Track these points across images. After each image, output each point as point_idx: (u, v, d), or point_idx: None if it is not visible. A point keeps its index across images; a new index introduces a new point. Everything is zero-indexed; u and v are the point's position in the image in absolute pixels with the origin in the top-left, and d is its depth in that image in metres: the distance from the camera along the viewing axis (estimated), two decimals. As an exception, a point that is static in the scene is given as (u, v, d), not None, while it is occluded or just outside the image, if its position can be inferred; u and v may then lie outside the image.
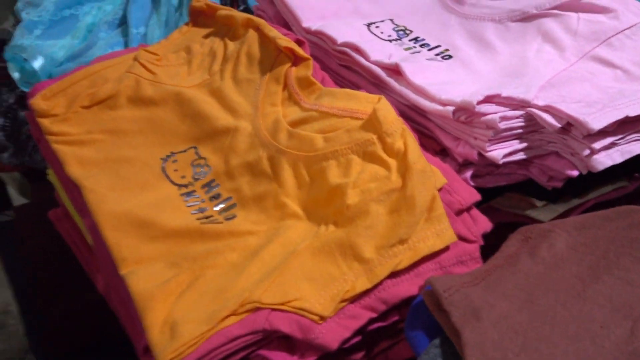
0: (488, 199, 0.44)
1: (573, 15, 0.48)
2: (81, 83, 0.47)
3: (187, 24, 0.52)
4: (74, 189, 0.42)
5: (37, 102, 0.46)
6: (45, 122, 0.45)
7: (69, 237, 0.49)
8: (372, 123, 0.39)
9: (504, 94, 0.41)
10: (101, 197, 0.39)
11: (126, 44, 0.59)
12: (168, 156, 0.44)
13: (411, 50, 0.49)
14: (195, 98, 0.46)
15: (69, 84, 0.47)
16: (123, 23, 0.61)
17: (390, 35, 0.52)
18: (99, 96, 0.46)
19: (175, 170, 0.43)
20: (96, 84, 0.47)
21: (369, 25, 0.51)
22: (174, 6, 0.60)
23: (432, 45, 0.50)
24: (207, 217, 0.39)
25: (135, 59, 0.48)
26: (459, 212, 0.37)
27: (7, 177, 0.60)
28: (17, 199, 0.60)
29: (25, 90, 0.59)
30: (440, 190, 0.37)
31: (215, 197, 0.41)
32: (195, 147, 0.44)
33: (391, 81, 0.44)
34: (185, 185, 0.42)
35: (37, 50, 0.61)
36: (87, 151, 0.43)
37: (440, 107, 0.40)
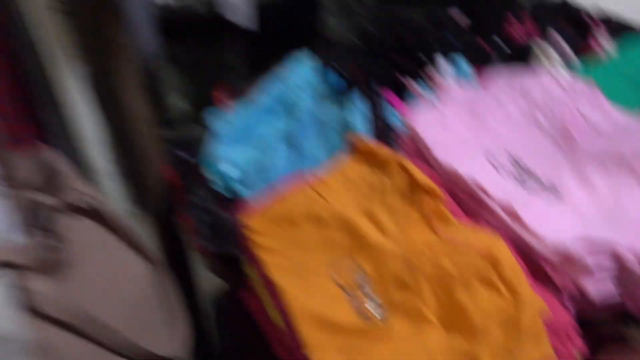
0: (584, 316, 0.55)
1: (664, 163, 0.59)
2: (274, 205, 0.65)
3: (347, 154, 0.69)
4: (270, 284, 0.59)
5: (243, 218, 0.64)
6: (248, 233, 0.63)
7: (256, 312, 0.66)
8: (491, 257, 0.52)
9: (601, 238, 0.52)
10: (293, 297, 0.56)
11: (297, 160, 0.77)
12: (335, 264, 0.60)
13: (525, 186, 0.62)
14: (355, 218, 0.61)
15: (265, 205, 0.65)
16: (293, 140, 0.80)
17: (506, 168, 0.65)
18: (286, 216, 0.63)
19: (341, 276, 0.59)
20: (284, 206, 0.64)
21: (488, 156, 0.65)
22: (337, 132, 0.78)
23: (543, 180, 0.63)
24: (367, 318, 0.54)
25: (311, 186, 0.65)
26: (557, 333, 0.50)
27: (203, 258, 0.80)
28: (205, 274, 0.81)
29: (220, 192, 0.79)
30: (542, 314, 0.50)
31: (372, 301, 0.56)
32: (355, 259, 0.60)
33: (507, 219, 0.57)
34: (349, 290, 0.57)
35: (226, 159, 0.81)
36: (281, 259, 0.60)
37: (546, 250, 0.53)
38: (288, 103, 0.86)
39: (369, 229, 0.60)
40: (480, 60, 0.89)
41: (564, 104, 0.67)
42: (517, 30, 0.96)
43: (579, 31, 1.00)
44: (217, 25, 2.69)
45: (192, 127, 0.95)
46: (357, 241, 0.60)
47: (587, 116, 0.67)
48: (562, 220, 0.57)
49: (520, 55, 0.91)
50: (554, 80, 0.70)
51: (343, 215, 0.62)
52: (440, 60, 0.84)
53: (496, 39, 0.94)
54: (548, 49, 0.86)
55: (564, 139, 0.66)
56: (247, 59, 3.07)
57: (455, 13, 1.08)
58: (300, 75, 0.89)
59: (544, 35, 0.94)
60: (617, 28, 0.97)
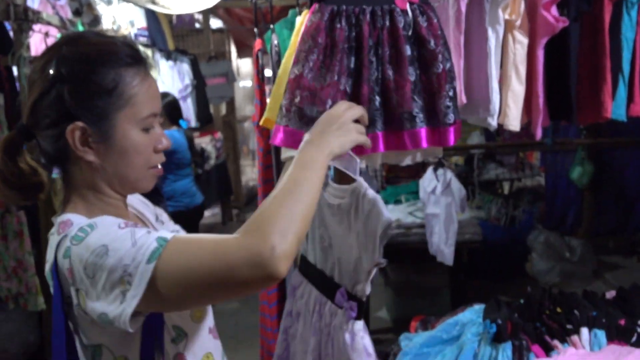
0: None
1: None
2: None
3: None
4: None
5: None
6: None
7: None
8: None
9: None
10: None
11: None
12: None
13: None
14: None
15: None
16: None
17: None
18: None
19: None
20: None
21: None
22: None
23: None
24: None
25: None
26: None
27: None
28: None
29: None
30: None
31: None
32: None
33: None
34: None
35: None
36: None
37: None
38: (457, 337, 1.25)
39: None
40: (618, 337, 1.29)
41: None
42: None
43: None
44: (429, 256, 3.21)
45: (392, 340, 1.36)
46: None
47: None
48: None
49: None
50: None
51: None
52: (584, 332, 1.23)
53: (638, 322, 1.33)
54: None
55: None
56: (450, 286, 3.56)
57: (610, 295, 1.54)
58: (471, 320, 1.33)
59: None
60: None
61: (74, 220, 0.94)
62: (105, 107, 0.94)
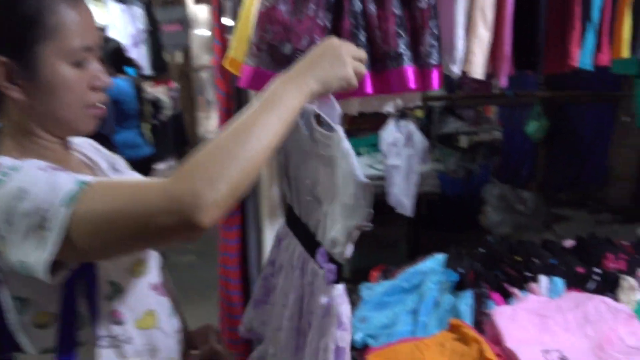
0: None
1: None
2: (389, 352, 0.95)
3: (447, 329, 0.99)
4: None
5: (367, 357, 0.95)
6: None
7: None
8: None
9: None
10: None
11: (413, 327, 1.10)
12: None
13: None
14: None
15: (383, 352, 0.95)
16: (415, 313, 1.13)
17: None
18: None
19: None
20: (395, 354, 0.95)
21: (543, 351, 0.96)
22: (447, 314, 1.11)
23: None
24: None
25: (417, 345, 0.96)
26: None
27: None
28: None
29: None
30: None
31: None
32: None
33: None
34: None
35: (366, 319, 1.20)
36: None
37: None
38: (418, 286, 1.22)
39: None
40: (576, 284, 1.30)
41: (607, 323, 0.99)
42: (611, 265, 1.33)
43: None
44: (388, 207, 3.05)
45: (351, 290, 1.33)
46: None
47: (621, 335, 0.99)
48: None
49: (608, 284, 1.30)
50: (604, 303, 1.02)
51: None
52: (543, 280, 1.23)
53: (595, 269, 1.34)
54: (631, 282, 1.23)
55: (601, 350, 0.98)
56: (408, 239, 3.47)
57: (568, 243, 1.53)
58: (432, 269, 1.29)
59: (631, 272, 1.35)
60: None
61: (3, 163, 0.86)
62: (27, 38, 0.86)
